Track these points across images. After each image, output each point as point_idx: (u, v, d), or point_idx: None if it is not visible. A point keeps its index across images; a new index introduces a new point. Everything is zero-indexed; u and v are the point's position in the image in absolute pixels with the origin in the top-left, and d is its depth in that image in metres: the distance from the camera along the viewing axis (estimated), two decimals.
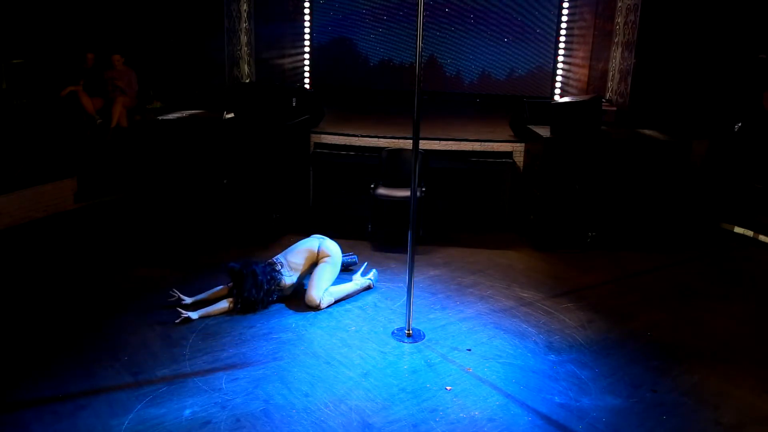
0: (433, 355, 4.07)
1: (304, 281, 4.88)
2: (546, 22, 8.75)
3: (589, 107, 6.18)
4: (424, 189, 6.03)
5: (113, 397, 3.51)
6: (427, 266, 5.52)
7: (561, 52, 8.76)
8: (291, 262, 4.81)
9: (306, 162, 6.89)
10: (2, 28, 7.37)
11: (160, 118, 6.47)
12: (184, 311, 4.41)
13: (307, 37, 9.19)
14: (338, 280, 4.91)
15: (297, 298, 4.78)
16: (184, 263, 5.47)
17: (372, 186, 6.18)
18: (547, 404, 3.57)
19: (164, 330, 4.28)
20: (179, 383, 3.65)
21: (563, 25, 8.69)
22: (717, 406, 3.60)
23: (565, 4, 8.62)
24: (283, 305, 4.70)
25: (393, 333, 4.33)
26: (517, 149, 6.70)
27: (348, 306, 4.74)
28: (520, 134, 6.80)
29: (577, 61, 8.75)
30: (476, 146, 6.68)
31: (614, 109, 7.79)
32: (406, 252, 4.30)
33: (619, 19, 8.03)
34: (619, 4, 8.02)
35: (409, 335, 4.27)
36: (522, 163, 6.69)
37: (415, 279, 4.31)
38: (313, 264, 4.84)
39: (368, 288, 5.00)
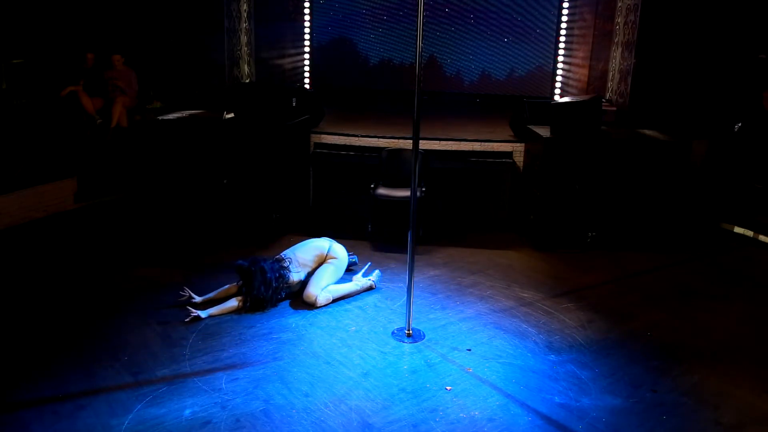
0: (433, 355, 4.07)
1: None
2: (546, 22, 8.75)
3: (589, 107, 6.18)
4: (424, 189, 6.03)
5: (113, 397, 3.51)
6: (427, 266, 5.52)
7: (561, 52, 8.76)
8: (300, 258, 4.82)
9: (306, 162, 6.89)
10: (2, 28, 7.37)
11: (160, 118, 6.48)
12: (194, 310, 4.42)
13: (307, 37, 9.19)
14: (338, 281, 4.92)
15: (297, 298, 4.78)
16: (185, 263, 5.47)
17: (372, 186, 6.18)
18: (547, 404, 3.57)
19: (164, 330, 4.28)
20: (179, 383, 3.65)
21: (563, 25, 8.69)
22: (717, 406, 3.60)
23: (565, 4, 8.62)
24: (282, 305, 4.70)
25: (393, 333, 4.33)
26: (517, 149, 6.70)
27: (348, 306, 4.74)
28: (520, 134, 6.80)
29: (577, 61, 8.74)
30: (476, 146, 6.68)
31: (614, 109, 7.79)
32: (406, 252, 4.30)
33: (619, 19, 8.03)
34: (619, 4, 8.02)
35: (409, 335, 4.27)
36: (522, 163, 6.69)
37: (415, 279, 4.31)
38: (320, 264, 4.88)
39: (370, 289, 5.00)
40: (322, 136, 6.89)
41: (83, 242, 5.98)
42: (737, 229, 6.64)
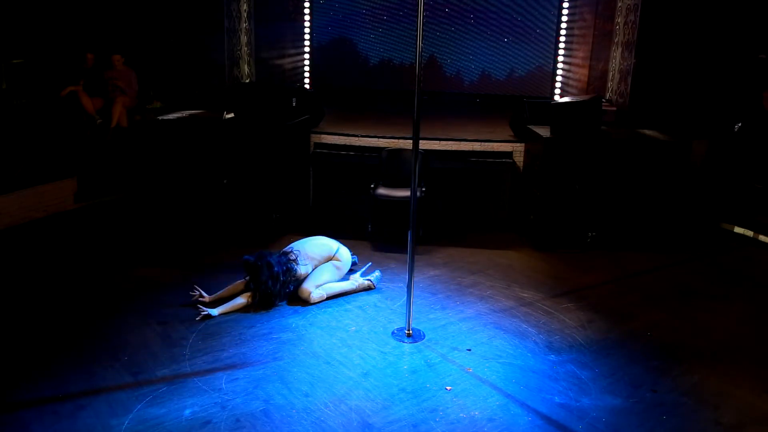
0: (433, 355, 4.07)
1: None
2: (546, 22, 8.75)
3: (589, 107, 6.18)
4: (424, 189, 6.03)
5: (113, 397, 3.51)
6: (427, 266, 5.52)
7: (561, 52, 8.76)
8: (308, 251, 4.84)
9: (306, 162, 6.89)
10: (2, 28, 7.37)
11: (160, 118, 6.48)
12: (204, 308, 4.42)
13: (307, 37, 9.19)
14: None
15: (297, 298, 4.78)
16: (185, 263, 5.48)
17: (372, 186, 6.18)
18: (547, 404, 3.57)
19: (164, 330, 4.28)
20: (179, 383, 3.65)
21: (563, 25, 8.68)
22: (717, 406, 3.60)
23: (565, 4, 8.61)
24: (282, 305, 4.70)
25: (393, 333, 4.33)
26: (517, 149, 6.70)
27: (348, 306, 4.74)
28: (520, 134, 6.80)
29: (577, 61, 8.74)
30: (476, 146, 6.67)
31: (614, 109, 7.79)
32: (406, 252, 4.30)
33: (619, 19, 8.03)
34: (619, 4, 8.02)
35: (409, 335, 4.27)
36: (522, 163, 6.69)
37: (415, 279, 4.31)
38: (325, 262, 4.90)
39: (368, 288, 5.00)
40: (322, 136, 6.89)
41: (83, 242, 5.98)
42: (737, 229, 6.64)
